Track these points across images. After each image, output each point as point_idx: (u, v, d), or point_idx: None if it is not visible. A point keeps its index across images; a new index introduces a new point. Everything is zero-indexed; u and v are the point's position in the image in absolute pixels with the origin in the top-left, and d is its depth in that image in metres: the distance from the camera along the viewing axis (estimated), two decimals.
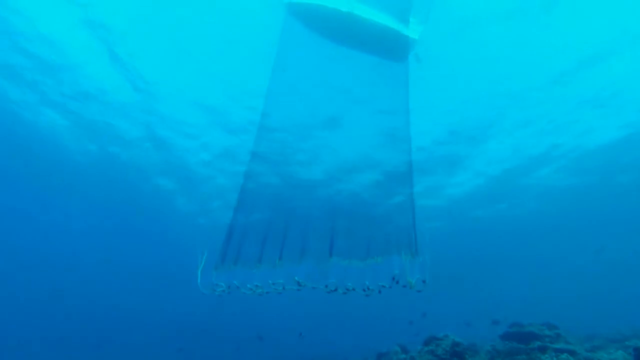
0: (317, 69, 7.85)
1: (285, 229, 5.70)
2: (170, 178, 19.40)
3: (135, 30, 11.03)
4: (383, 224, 5.90)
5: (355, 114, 10.94)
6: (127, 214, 23.27)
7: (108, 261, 30.39)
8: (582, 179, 19.72)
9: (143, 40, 11.33)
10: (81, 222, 24.13)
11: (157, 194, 20.89)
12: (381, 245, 5.37)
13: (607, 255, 30.63)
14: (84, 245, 27.89)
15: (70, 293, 37.86)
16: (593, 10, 10.17)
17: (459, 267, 30.30)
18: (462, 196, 21.40)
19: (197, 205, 21.93)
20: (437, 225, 24.64)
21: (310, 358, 22.77)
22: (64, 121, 15.20)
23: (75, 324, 44.64)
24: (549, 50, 11.60)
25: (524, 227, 25.80)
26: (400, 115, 6.98)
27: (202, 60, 12.08)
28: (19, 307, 40.17)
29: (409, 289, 4.60)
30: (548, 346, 8.65)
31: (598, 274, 34.96)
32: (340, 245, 5.41)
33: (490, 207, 22.95)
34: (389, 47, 7.68)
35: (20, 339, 43.17)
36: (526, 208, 23.22)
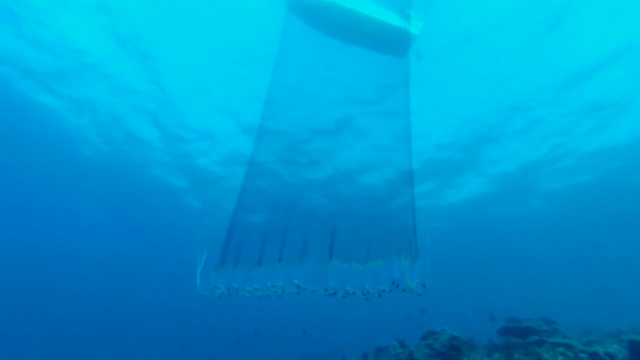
0: (318, 66, 7.84)
1: (284, 231, 5.69)
2: (184, 177, 19.61)
3: (155, 34, 11.28)
4: (383, 226, 5.85)
5: (355, 112, 10.87)
6: (137, 212, 23.52)
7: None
8: (582, 180, 19.94)
9: (161, 43, 11.57)
10: (93, 219, 24.46)
11: (168, 192, 21.11)
12: (381, 248, 5.34)
13: (605, 254, 30.79)
14: (92, 242, 28.15)
15: (77, 289, 38.19)
16: (601, 20, 10.51)
17: (459, 263, 30.48)
18: (467, 196, 21.64)
19: (207, 205, 22.09)
20: (440, 224, 24.83)
21: (310, 354, 22.93)
22: (81, 121, 15.45)
23: (81, 319, 45.04)
24: (558, 55, 11.84)
25: (526, 226, 25.99)
26: (401, 113, 6.94)
27: (218, 62, 12.26)
28: (23, 303, 40.50)
29: (409, 292, 4.60)
30: (545, 340, 8.74)
31: (597, 272, 35.15)
32: (340, 248, 5.39)
33: (493, 207, 23.13)
34: (390, 42, 7.69)
35: (25, 333, 43.57)
36: (527, 207, 23.40)
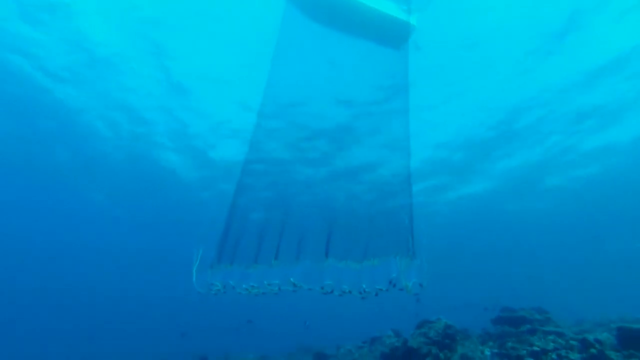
0: (317, 58, 7.77)
1: (281, 229, 5.65)
2: (195, 169, 19.76)
3: (169, 26, 11.41)
4: (380, 225, 5.80)
5: (354, 106, 10.79)
6: (148, 204, 23.75)
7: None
8: (583, 177, 20.28)
9: (175, 35, 11.73)
10: (105, 213, 24.76)
11: (179, 185, 21.25)
12: (378, 247, 5.31)
13: (603, 249, 31.13)
14: (103, 235, 28.37)
15: (79, 283, 38.51)
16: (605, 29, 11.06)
17: (457, 257, 30.76)
18: (469, 193, 21.99)
19: (217, 197, 22.22)
20: (440, 220, 25.06)
21: (307, 345, 23.20)
22: (93, 113, 15.61)
23: (83, 312, 45.44)
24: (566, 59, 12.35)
25: (526, 221, 26.28)
26: (401, 107, 6.83)
27: (231, 55, 12.38)
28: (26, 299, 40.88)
29: (407, 293, 4.59)
30: (537, 329, 8.93)
31: (592, 267, 35.54)
32: (337, 247, 5.37)
33: (495, 203, 23.49)
34: (389, 33, 7.65)
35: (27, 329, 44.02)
36: (528, 203, 23.68)
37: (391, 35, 7.52)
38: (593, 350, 6.23)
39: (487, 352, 8.41)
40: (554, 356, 6.59)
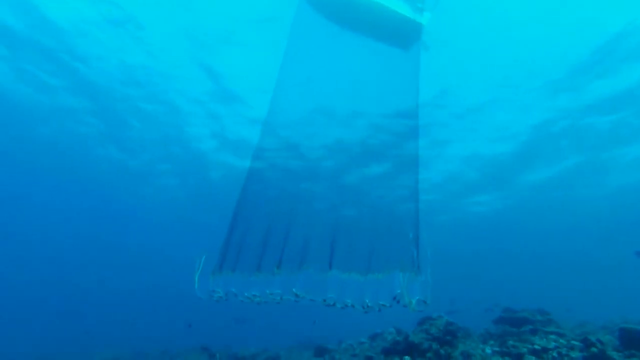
0: (328, 58, 7.70)
1: (285, 238, 5.59)
2: (228, 171, 20.47)
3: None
4: (386, 239, 5.70)
5: (366, 115, 10.70)
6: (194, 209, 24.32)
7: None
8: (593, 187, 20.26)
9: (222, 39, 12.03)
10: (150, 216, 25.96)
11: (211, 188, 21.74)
12: (383, 260, 5.26)
13: (604, 254, 30.79)
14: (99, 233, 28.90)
15: (85, 281, 39.17)
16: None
17: (458, 258, 30.69)
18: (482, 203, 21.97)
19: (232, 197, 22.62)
20: (448, 227, 25.06)
21: (307, 341, 23.35)
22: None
23: (91, 302, 46.29)
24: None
25: (529, 226, 26.13)
26: (410, 114, 6.74)
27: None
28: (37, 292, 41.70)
29: (410, 310, 4.56)
30: (539, 329, 8.97)
31: (596, 270, 35.15)
32: (341, 258, 5.34)
33: (507, 214, 23.47)
34: (398, 33, 7.66)
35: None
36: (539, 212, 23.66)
37: (400, 34, 7.53)
38: (594, 349, 6.28)
39: (488, 350, 8.47)
40: (554, 354, 6.65)
